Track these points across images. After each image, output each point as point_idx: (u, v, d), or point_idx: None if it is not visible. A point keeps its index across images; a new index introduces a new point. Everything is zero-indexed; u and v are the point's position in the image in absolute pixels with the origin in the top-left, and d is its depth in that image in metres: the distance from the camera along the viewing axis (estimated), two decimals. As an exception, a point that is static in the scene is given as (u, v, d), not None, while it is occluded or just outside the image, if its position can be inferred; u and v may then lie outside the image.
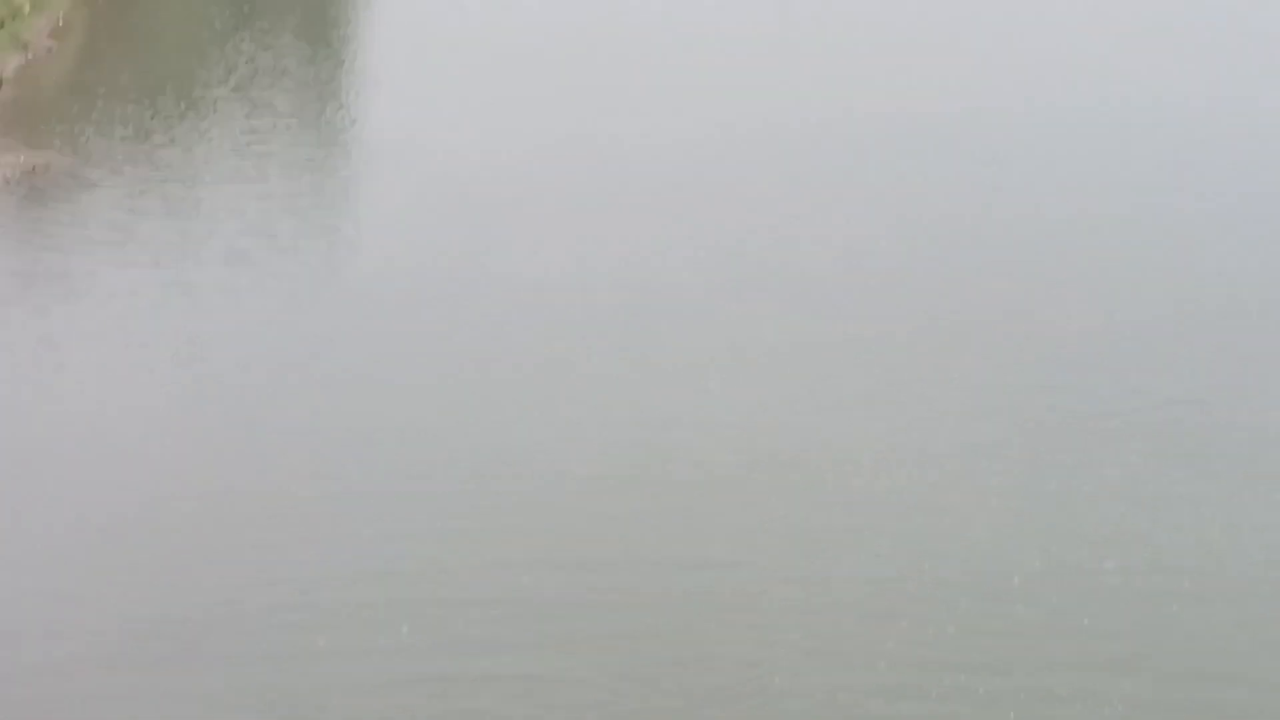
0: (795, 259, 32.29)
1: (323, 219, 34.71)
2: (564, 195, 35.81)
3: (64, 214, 35.15)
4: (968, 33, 46.31)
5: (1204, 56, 45.63)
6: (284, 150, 38.30)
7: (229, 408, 26.46)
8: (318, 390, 27.03)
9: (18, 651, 20.37)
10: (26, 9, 45.23)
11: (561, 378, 27.54)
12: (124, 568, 22.00)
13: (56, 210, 35.33)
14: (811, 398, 26.90)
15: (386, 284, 31.91)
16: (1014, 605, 21.66)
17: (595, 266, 32.41)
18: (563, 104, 40.95)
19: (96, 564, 22.06)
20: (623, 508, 23.67)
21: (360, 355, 28.39)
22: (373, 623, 20.90)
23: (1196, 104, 42.03)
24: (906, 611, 21.42)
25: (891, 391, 27.18)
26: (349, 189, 36.48)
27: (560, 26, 46.24)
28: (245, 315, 30.34)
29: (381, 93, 42.19)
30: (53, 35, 45.06)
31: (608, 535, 23.07)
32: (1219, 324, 30.25)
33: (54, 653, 20.40)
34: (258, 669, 20.16)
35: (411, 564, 22.16)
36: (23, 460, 24.78)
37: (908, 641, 20.88)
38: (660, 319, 29.85)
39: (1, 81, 41.47)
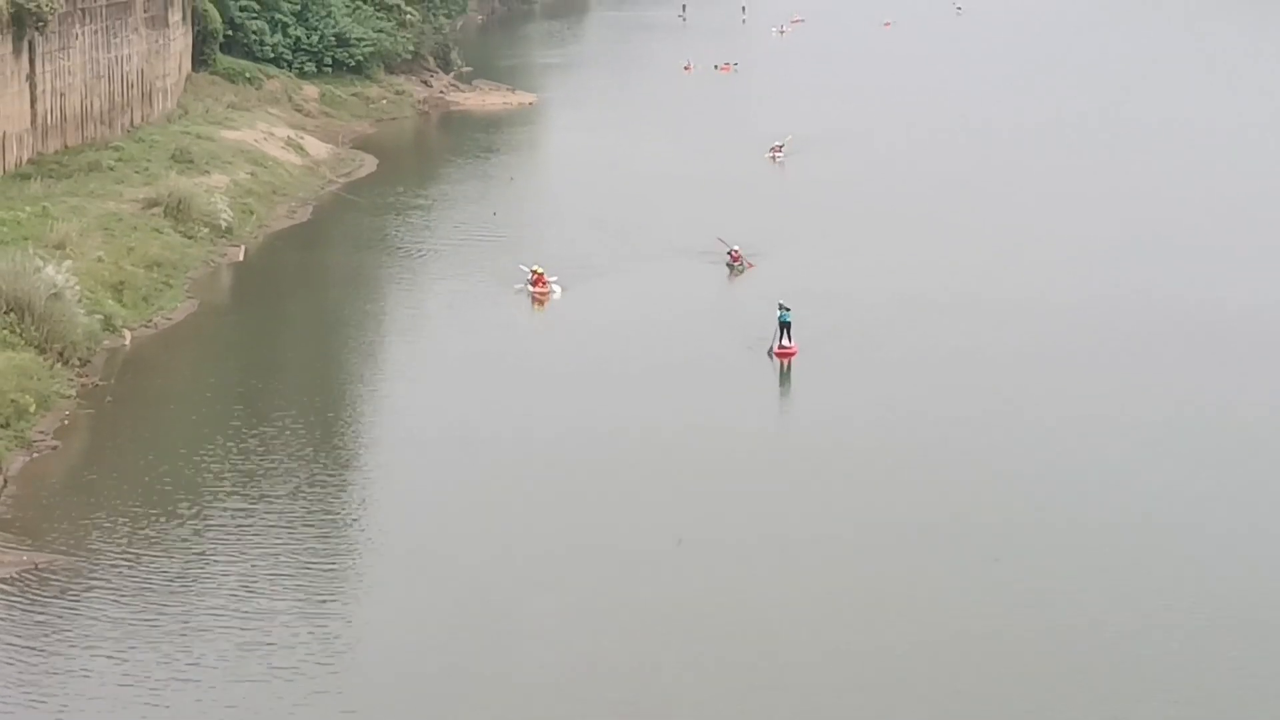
0: None
1: (324, 630, 34.14)
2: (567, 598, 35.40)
3: (65, 613, 34.67)
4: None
5: None
6: (286, 551, 37.84)
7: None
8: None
9: None
10: (32, 408, 45.22)
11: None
12: None
13: (57, 609, 34.84)
14: None
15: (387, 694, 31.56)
16: None
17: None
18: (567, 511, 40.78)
19: None
20: None
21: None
22: None
23: None
24: None
25: None
26: (350, 597, 35.83)
27: (566, 434, 46.16)
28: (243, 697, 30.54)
29: (387, 493, 41.80)
30: (58, 434, 44.89)
31: None
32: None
33: None
34: None
35: None
36: None
37: None
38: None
39: (6, 480, 41.14)
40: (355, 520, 40.00)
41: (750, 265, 64.21)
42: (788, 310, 53.11)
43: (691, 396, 49.07)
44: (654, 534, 39.08)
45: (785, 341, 53.06)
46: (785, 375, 52.22)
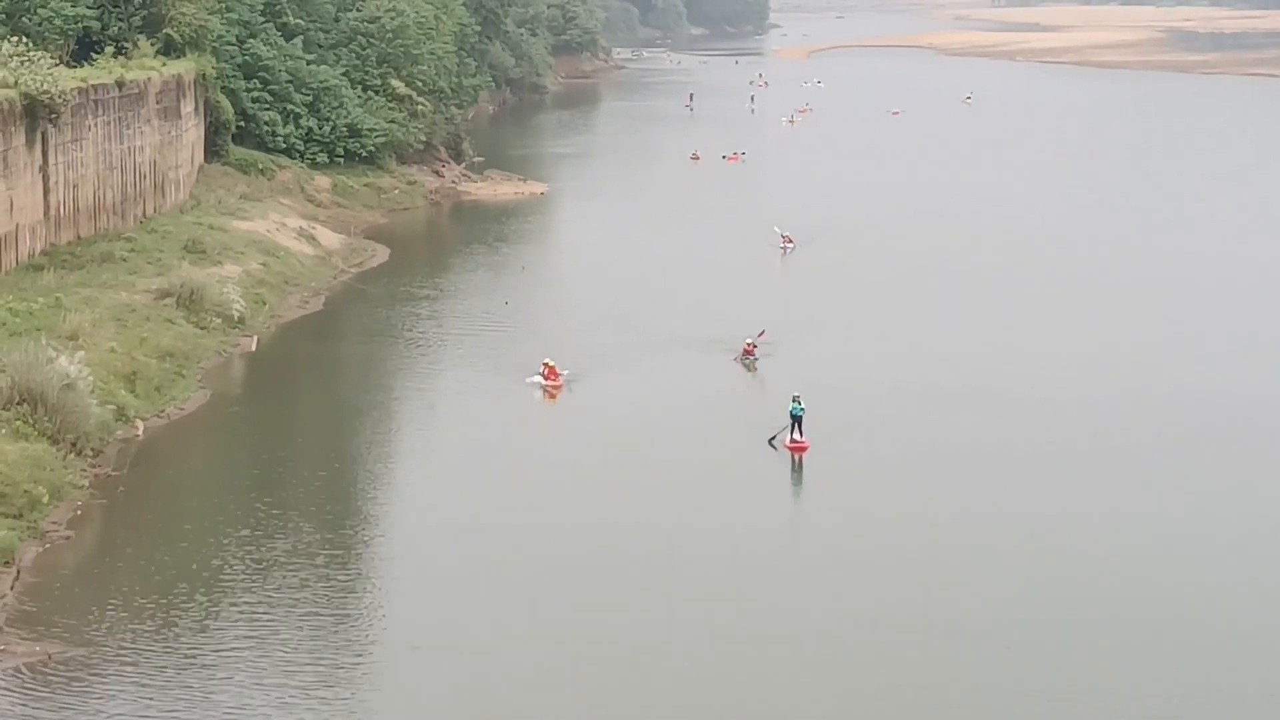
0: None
1: None
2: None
3: (76, 704, 34.73)
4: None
5: None
6: (297, 644, 37.88)
7: None
8: None
9: None
10: (45, 498, 45.26)
11: None
12: None
13: (69, 700, 34.88)
14: None
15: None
16: None
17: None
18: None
19: None
20: None
21: None
22: None
23: None
24: None
25: None
26: (361, 691, 35.97)
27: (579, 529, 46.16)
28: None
29: (397, 585, 41.95)
30: (71, 524, 44.89)
31: None
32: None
33: None
34: None
35: None
36: None
37: None
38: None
39: (19, 571, 41.12)
40: (366, 612, 39.98)
41: (760, 345, 63.96)
42: (801, 404, 52.94)
43: (702, 491, 49.04)
44: (663, 628, 39.04)
45: (797, 435, 52.87)
46: (797, 470, 52.01)
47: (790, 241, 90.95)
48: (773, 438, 53.26)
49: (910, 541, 45.31)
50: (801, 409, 52.85)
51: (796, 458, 52.49)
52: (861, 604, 40.95)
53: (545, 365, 60.64)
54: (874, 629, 39.34)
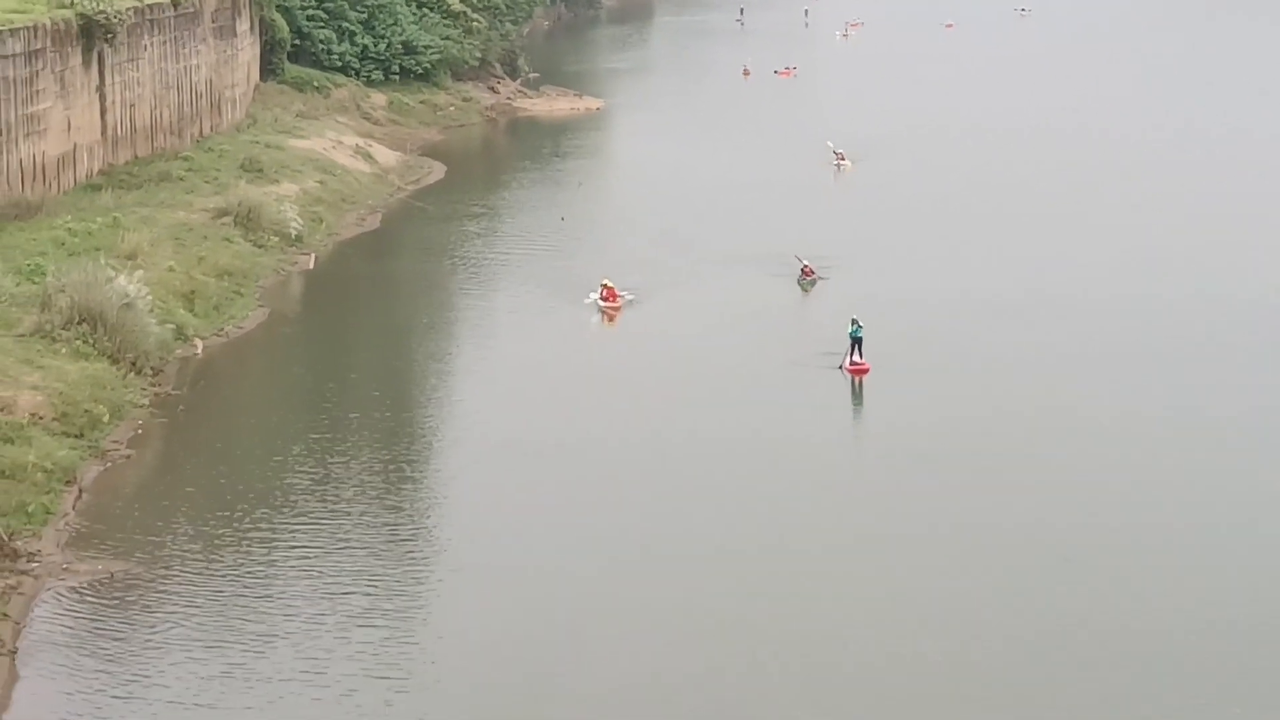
0: None
1: (397, 639, 34.27)
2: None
3: (139, 622, 34.97)
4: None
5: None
6: (358, 559, 38.04)
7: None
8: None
9: None
10: (106, 418, 45.51)
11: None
12: None
13: (131, 618, 35.13)
14: None
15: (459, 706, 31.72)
16: None
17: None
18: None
19: None
20: None
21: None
22: None
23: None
24: None
25: None
26: (423, 605, 35.99)
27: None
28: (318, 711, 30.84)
29: (458, 500, 42.10)
30: (131, 444, 45.16)
31: None
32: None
33: None
34: None
35: None
36: None
37: None
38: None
39: (80, 490, 41.44)
40: (427, 527, 40.14)
41: (821, 277, 63.63)
42: (860, 326, 52.28)
43: (761, 411, 48.70)
44: (721, 540, 39.12)
45: (857, 357, 52.21)
46: (857, 393, 51.53)
47: (844, 159, 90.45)
48: (842, 363, 52.48)
49: (974, 451, 45.24)
50: (861, 330, 52.26)
51: (857, 380, 51.90)
52: (919, 512, 40.84)
53: (604, 286, 60.24)
54: (931, 536, 39.31)
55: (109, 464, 43.80)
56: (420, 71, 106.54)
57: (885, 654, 33.60)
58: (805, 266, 63.67)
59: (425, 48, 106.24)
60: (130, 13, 72.34)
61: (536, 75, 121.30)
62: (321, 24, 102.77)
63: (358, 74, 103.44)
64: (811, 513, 41.14)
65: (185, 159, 76.30)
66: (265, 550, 38.36)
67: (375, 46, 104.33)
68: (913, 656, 33.47)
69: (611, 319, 59.37)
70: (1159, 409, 48.77)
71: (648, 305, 60.38)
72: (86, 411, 45.35)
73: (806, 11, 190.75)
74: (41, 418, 44.10)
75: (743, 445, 45.94)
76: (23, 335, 48.65)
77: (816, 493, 42.59)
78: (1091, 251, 69.35)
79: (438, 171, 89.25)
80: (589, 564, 37.90)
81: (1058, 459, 44.71)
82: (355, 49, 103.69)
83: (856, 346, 52.32)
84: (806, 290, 63.09)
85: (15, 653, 33.19)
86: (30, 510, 39.17)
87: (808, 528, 40.09)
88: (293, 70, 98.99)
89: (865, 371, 52.05)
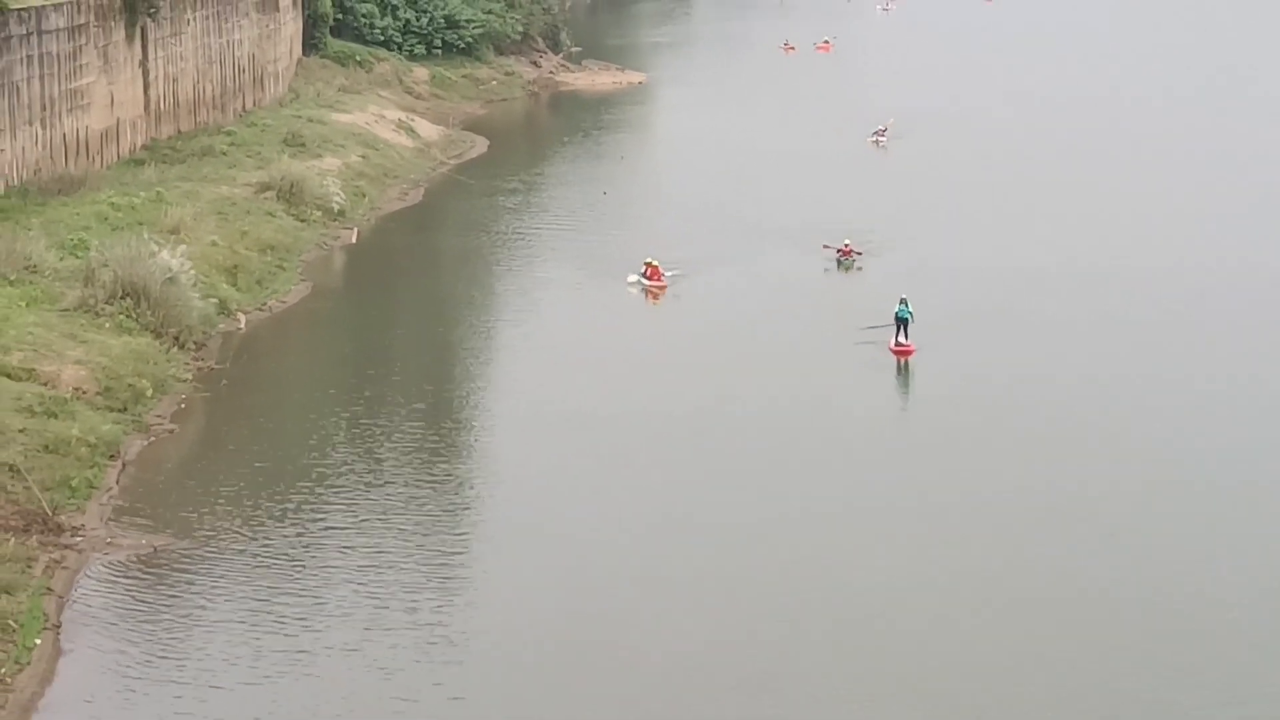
0: None
1: (441, 614, 34.20)
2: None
3: (182, 596, 34.95)
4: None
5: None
6: (401, 534, 37.91)
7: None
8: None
9: None
10: (149, 392, 45.58)
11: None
12: None
13: (175, 592, 35.12)
14: None
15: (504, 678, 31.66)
16: None
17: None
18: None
19: None
20: None
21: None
22: None
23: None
24: None
25: None
26: (466, 579, 35.94)
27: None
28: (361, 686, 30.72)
29: (501, 474, 41.99)
30: (174, 418, 45.21)
31: None
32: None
33: None
34: None
35: None
36: None
37: None
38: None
39: (124, 464, 41.51)
40: (470, 501, 40.06)
41: (858, 254, 63.19)
42: (907, 306, 51.56)
43: (805, 384, 48.58)
44: (764, 510, 39.05)
45: (902, 338, 51.50)
46: (902, 373, 50.86)
47: (883, 135, 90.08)
48: (887, 344, 52.10)
49: (1022, 425, 45.09)
50: (909, 311, 51.48)
51: (902, 361, 51.18)
52: (968, 483, 40.75)
53: (647, 264, 59.83)
54: (979, 508, 39.21)
55: (152, 438, 43.81)
56: (463, 46, 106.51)
57: (929, 623, 33.45)
58: (843, 246, 63.17)
59: (468, 22, 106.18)
60: (173, -13, 72.44)
61: (579, 49, 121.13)
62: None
63: (400, 48, 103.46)
64: (854, 484, 40.98)
65: (228, 133, 76.39)
66: (308, 524, 38.32)
67: (418, 21, 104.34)
68: (955, 627, 33.33)
69: (656, 297, 59.08)
70: (1211, 381, 48.49)
71: (690, 281, 60.14)
72: (130, 386, 45.41)
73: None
74: (85, 392, 44.19)
75: (786, 419, 45.80)
76: (66, 310, 48.74)
77: (860, 465, 42.41)
78: (1138, 223, 69.02)
79: (480, 146, 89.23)
80: (632, 535, 37.78)
81: (1108, 431, 44.49)
82: (398, 23, 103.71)
83: (903, 327, 51.54)
84: (846, 270, 62.57)
85: (60, 627, 33.22)
86: (74, 485, 39.23)
87: (850, 499, 39.94)
88: (335, 45, 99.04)
89: (910, 353, 51.30)
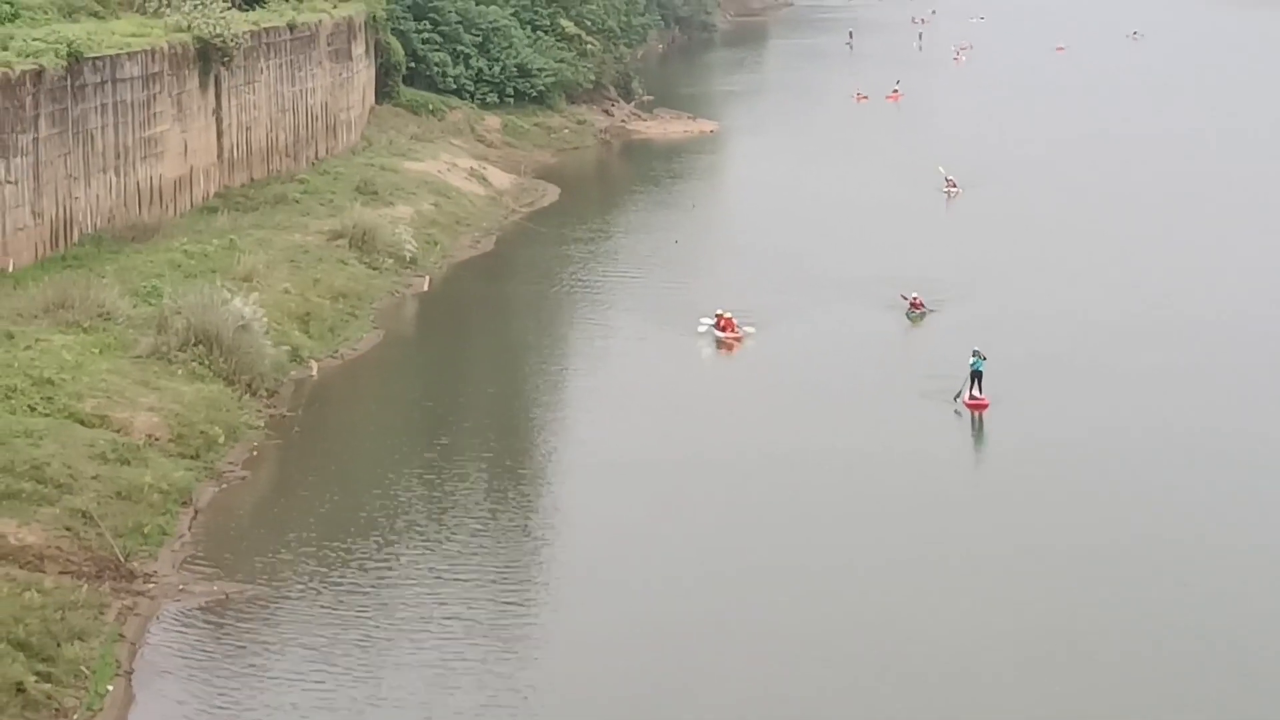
0: None
1: (511, 662, 34.16)
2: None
3: (254, 643, 34.94)
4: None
5: None
6: (472, 581, 37.90)
7: None
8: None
9: None
10: (221, 439, 45.68)
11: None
12: None
13: (247, 639, 35.10)
14: None
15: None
16: None
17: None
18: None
19: None
20: None
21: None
22: None
23: None
24: None
25: None
26: (536, 627, 35.91)
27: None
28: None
29: (571, 523, 41.88)
30: (246, 465, 45.27)
31: None
32: None
33: None
34: None
35: None
36: None
37: None
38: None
39: (196, 511, 41.58)
40: (540, 550, 39.99)
41: (930, 310, 62.51)
42: (982, 359, 50.80)
43: (876, 436, 48.34)
44: (834, 557, 38.89)
45: (976, 392, 50.79)
46: (977, 428, 50.40)
47: (954, 186, 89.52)
48: (959, 395, 51.15)
49: (1094, 479, 44.77)
50: (982, 364, 50.66)
51: (976, 415, 50.57)
52: (1039, 541, 40.42)
53: (719, 316, 59.41)
54: (1042, 556, 39.09)
55: (224, 485, 43.91)
56: (534, 94, 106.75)
57: (1000, 676, 33.25)
58: (914, 299, 62.69)
59: (539, 70, 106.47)
60: (247, 36, 72.82)
61: (650, 98, 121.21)
62: (436, 47, 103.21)
63: (472, 96, 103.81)
64: (925, 536, 40.72)
65: (301, 181, 76.70)
66: (380, 572, 38.31)
67: (490, 69, 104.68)
68: (1027, 681, 33.08)
69: (730, 349, 58.72)
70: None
71: (760, 332, 59.75)
72: (202, 433, 45.54)
73: (920, 35, 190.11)
74: (158, 439, 44.33)
75: (856, 470, 45.61)
76: (139, 357, 48.94)
77: (931, 517, 42.13)
78: (1213, 274, 68.48)
79: (552, 194, 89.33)
80: (702, 586, 37.65)
81: (1180, 484, 44.14)
82: (470, 72, 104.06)
83: (976, 380, 50.83)
84: (916, 323, 62.01)
85: (131, 673, 33.26)
86: (146, 531, 39.31)
87: (922, 551, 39.71)
88: (407, 93, 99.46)
89: (984, 407, 50.59)
